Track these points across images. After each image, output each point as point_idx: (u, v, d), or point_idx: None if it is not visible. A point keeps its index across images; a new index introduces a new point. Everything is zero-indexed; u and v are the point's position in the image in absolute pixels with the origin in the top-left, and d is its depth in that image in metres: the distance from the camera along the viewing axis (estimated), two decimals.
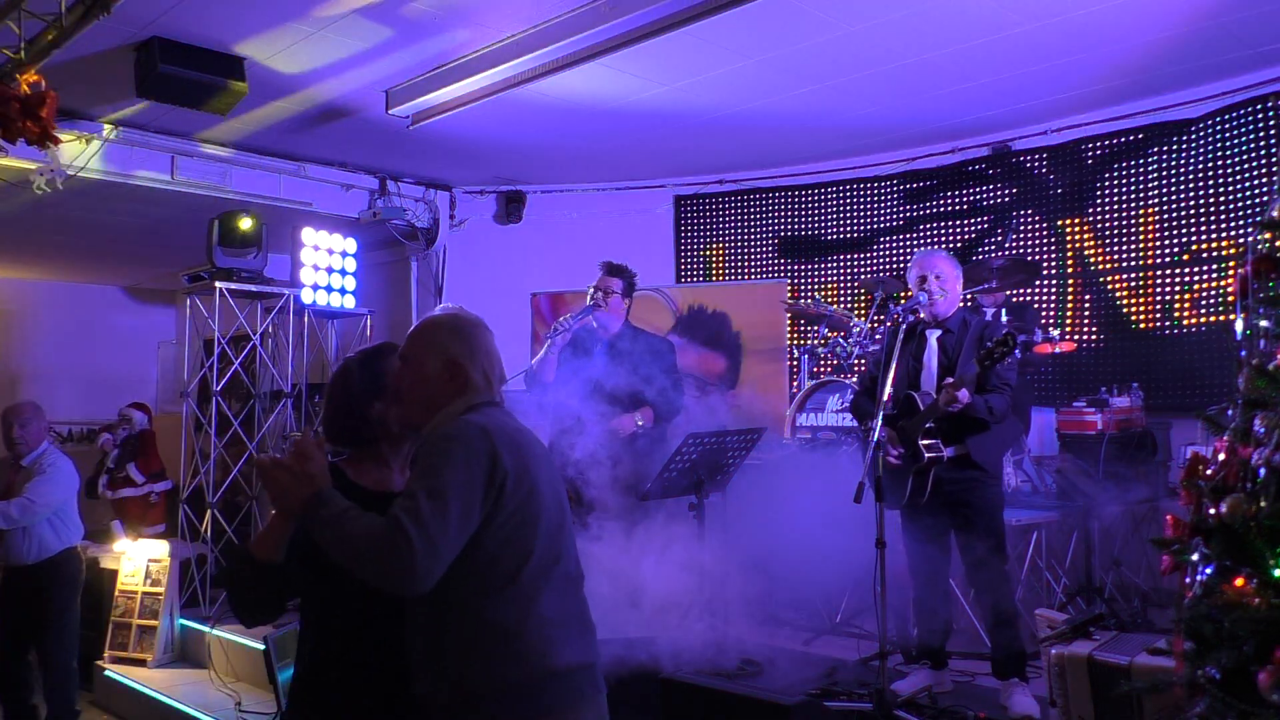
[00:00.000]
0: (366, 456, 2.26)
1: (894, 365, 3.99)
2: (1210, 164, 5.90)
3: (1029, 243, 6.68)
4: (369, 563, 1.84)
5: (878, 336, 5.79)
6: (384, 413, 2.22)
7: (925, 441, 3.95)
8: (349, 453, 2.28)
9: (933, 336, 4.15)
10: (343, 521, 1.88)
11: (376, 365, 2.27)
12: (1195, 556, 1.91)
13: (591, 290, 4.88)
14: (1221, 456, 1.95)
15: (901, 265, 7.26)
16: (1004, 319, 5.49)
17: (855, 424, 5.55)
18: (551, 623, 1.96)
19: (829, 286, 7.66)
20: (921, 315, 4.21)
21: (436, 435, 2.01)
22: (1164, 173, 6.12)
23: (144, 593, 5.81)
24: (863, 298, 7.31)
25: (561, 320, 4.79)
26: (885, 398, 3.89)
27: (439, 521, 1.83)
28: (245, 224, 6.30)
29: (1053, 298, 6.57)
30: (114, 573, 6.04)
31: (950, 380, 3.86)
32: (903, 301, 4.64)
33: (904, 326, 4.20)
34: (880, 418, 3.81)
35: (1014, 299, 6.08)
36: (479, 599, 1.92)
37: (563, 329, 4.74)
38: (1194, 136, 5.99)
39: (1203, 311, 5.89)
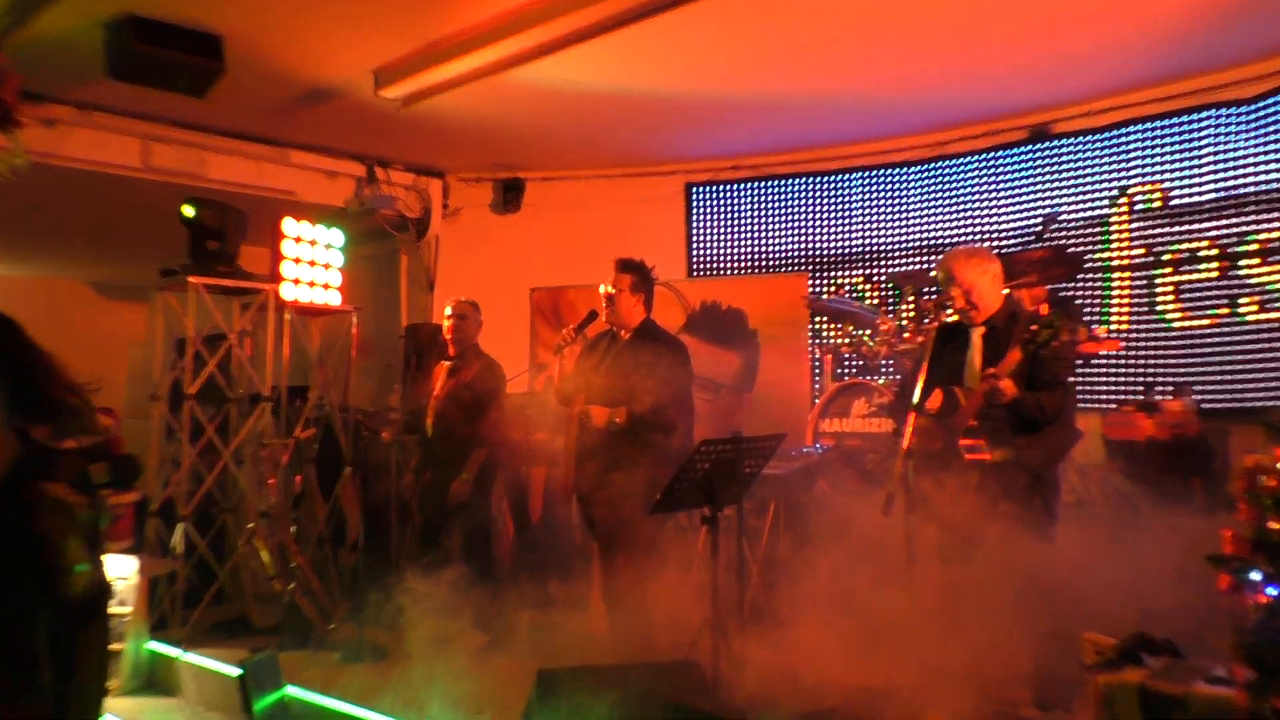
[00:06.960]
0: None
1: (925, 367, 3.98)
2: (1268, 146, 5.87)
3: (1070, 233, 6.66)
4: None
5: (906, 335, 5.78)
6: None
7: (966, 441, 3.89)
8: None
9: (976, 334, 4.14)
10: None
11: None
12: (1256, 575, 1.90)
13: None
14: None
15: (932, 258, 7.25)
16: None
17: (883, 431, 5.54)
18: None
19: (854, 281, 7.65)
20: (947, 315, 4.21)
21: None
22: (1218, 156, 6.09)
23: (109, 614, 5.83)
24: (877, 291, 7.30)
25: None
26: (915, 400, 3.87)
27: None
28: (188, 211, 6.31)
29: (1097, 292, 6.55)
30: None
31: (993, 370, 3.82)
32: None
33: (926, 324, 4.19)
34: (911, 424, 3.79)
35: (1055, 294, 6.06)
36: None
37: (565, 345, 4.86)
38: (1249, 116, 5.97)
39: (1265, 307, 5.86)
